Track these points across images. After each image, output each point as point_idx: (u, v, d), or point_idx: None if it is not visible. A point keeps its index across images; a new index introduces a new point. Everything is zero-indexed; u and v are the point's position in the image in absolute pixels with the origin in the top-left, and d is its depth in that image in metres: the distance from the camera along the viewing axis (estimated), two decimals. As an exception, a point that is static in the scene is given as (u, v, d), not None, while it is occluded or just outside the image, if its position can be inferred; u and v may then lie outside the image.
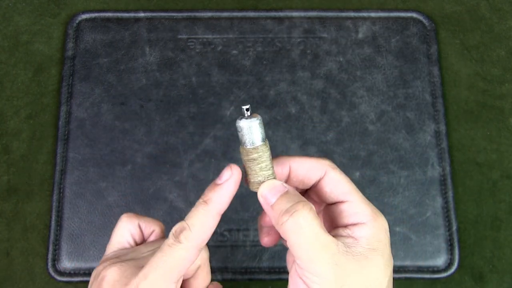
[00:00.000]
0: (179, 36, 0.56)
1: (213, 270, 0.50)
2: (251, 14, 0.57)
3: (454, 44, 0.58)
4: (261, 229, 0.35)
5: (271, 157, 0.31)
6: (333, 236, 0.30)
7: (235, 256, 0.50)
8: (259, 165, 0.31)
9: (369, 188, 0.52)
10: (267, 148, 0.31)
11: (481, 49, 0.58)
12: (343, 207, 0.32)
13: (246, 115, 0.30)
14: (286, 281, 0.50)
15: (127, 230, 0.35)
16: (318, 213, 0.35)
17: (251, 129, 0.30)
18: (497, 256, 0.51)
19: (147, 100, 0.54)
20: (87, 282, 0.49)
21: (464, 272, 0.51)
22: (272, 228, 0.35)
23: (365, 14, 0.57)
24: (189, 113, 0.54)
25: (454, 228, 0.51)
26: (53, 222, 0.50)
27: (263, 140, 0.31)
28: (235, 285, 0.50)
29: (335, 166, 0.33)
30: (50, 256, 0.50)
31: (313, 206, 0.30)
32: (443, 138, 0.53)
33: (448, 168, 0.53)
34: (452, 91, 0.56)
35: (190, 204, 0.51)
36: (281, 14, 0.57)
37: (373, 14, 0.58)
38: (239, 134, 0.31)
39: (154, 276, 0.29)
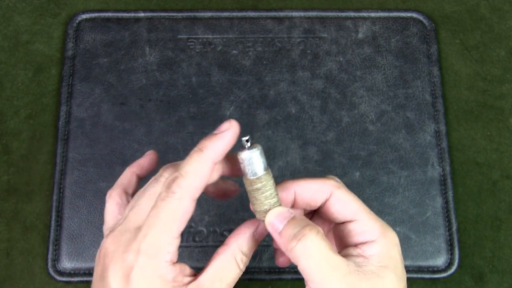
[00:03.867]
0: (179, 36, 0.56)
1: (213, 270, 0.49)
2: (251, 14, 0.57)
3: (454, 44, 0.58)
4: (276, 251, 0.35)
5: (274, 184, 0.31)
6: (344, 256, 0.30)
7: (235, 256, 0.50)
8: (264, 194, 0.31)
9: (369, 188, 0.52)
10: (270, 177, 0.31)
11: (481, 49, 0.58)
12: (351, 226, 0.31)
13: (246, 146, 0.30)
14: (286, 281, 0.50)
15: (114, 204, 0.34)
16: (327, 233, 0.35)
17: (252, 160, 0.30)
18: (497, 256, 0.51)
19: (147, 100, 0.54)
20: (87, 282, 0.49)
21: (464, 272, 0.51)
22: None
23: (365, 14, 0.57)
24: (189, 113, 0.54)
25: (454, 228, 0.51)
26: (53, 222, 0.50)
27: (265, 169, 0.31)
28: (235, 285, 0.50)
29: (341, 185, 0.32)
30: (50, 256, 0.50)
31: (320, 229, 0.29)
32: (443, 138, 0.53)
33: (448, 168, 0.53)
34: (452, 91, 0.56)
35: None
36: (281, 14, 0.57)
37: (373, 14, 0.57)
38: (241, 165, 0.31)
39: (153, 235, 0.29)
